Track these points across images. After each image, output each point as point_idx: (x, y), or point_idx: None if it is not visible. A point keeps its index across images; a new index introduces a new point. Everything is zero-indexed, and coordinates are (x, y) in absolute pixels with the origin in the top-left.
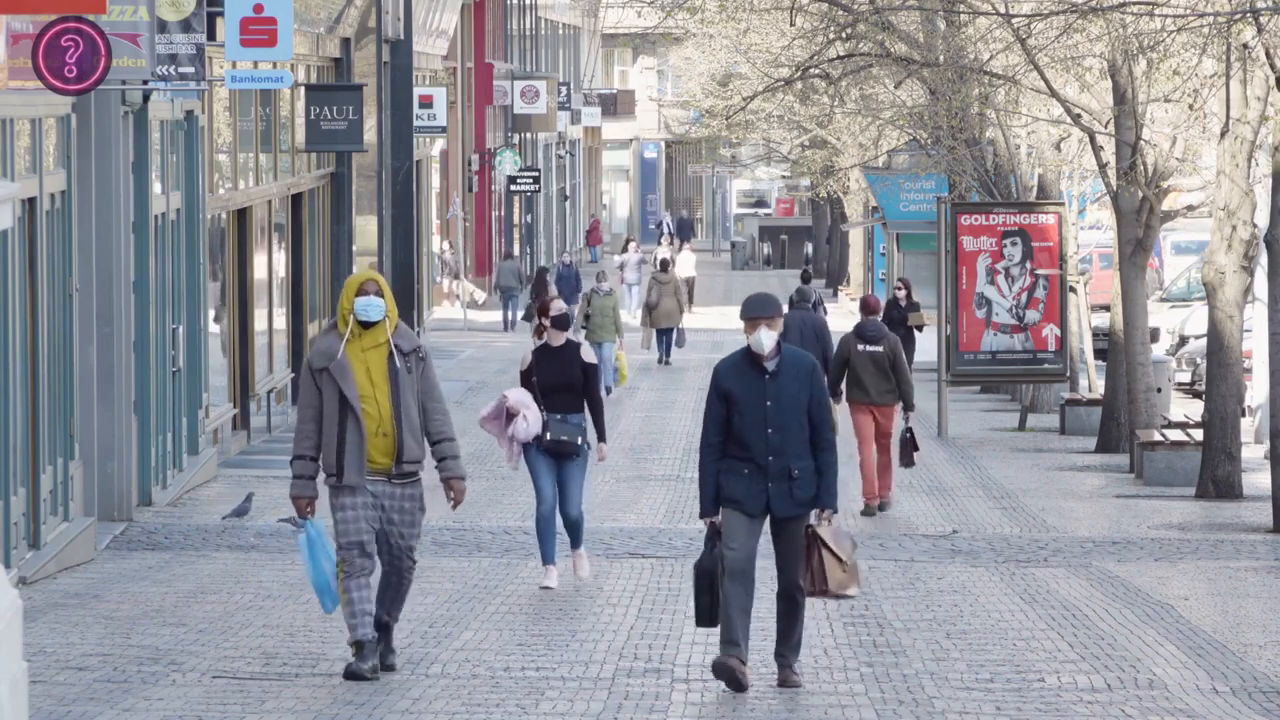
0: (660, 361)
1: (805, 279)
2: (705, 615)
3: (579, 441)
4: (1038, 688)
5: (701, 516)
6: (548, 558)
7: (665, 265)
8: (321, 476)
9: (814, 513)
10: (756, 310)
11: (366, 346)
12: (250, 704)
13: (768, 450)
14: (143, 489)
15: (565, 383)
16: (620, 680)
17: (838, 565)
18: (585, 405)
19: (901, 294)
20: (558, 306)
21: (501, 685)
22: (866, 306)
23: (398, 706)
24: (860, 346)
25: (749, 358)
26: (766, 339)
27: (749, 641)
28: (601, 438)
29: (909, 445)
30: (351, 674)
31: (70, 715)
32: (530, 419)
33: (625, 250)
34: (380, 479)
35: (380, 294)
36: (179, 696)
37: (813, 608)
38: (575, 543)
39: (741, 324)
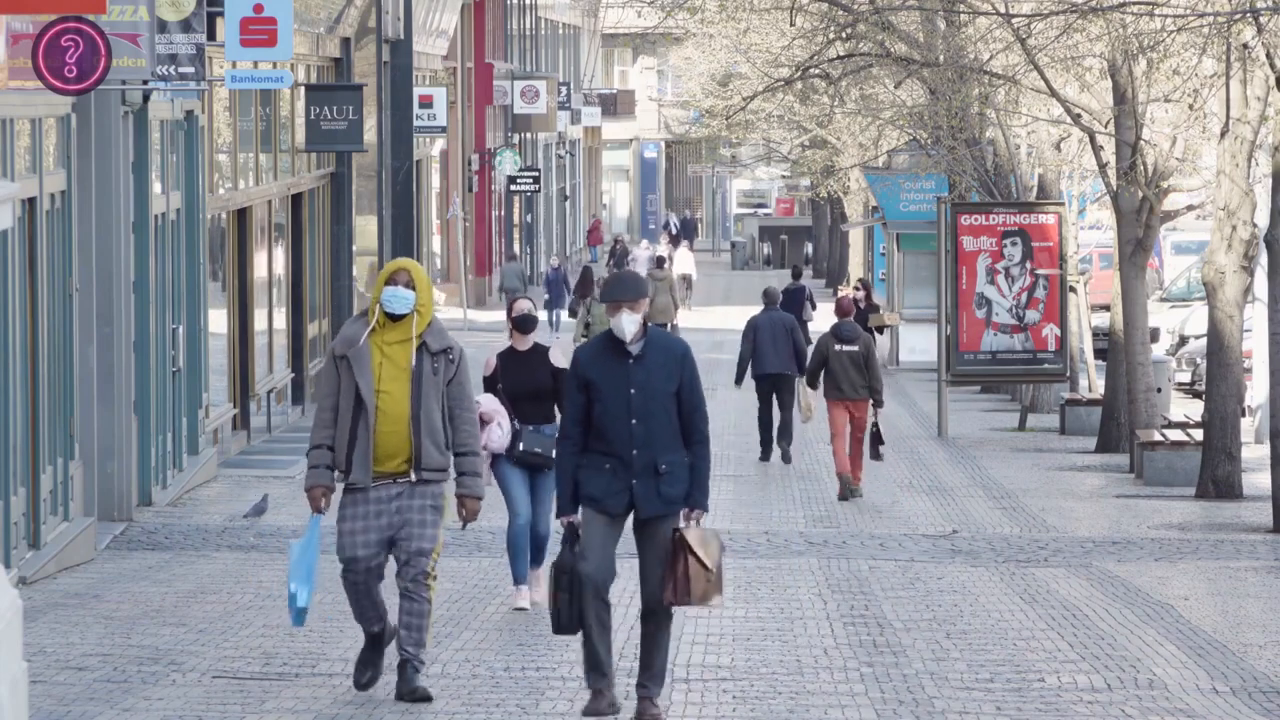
0: None
1: (796, 275)
2: (565, 620)
3: (553, 454)
4: (1038, 688)
5: (558, 516)
6: (520, 577)
7: (661, 262)
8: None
9: (682, 513)
10: (617, 292)
11: (391, 340)
12: (250, 704)
13: (632, 443)
14: (143, 489)
15: (534, 389)
16: (620, 680)
17: (703, 574)
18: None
19: (860, 295)
20: (520, 307)
21: (501, 685)
22: (841, 309)
23: (398, 706)
24: (837, 346)
25: (612, 342)
26: (628, 324)
27: (612, 659)
28: None
29: (875, 440)
30: (356, 681)
31: (70, 715)
32: (503, 427)
33: (614, 250)
34: (387, 481)
35: (411, 285)
36: (179, 696)
37: (812, 607)
38: (537, 560)
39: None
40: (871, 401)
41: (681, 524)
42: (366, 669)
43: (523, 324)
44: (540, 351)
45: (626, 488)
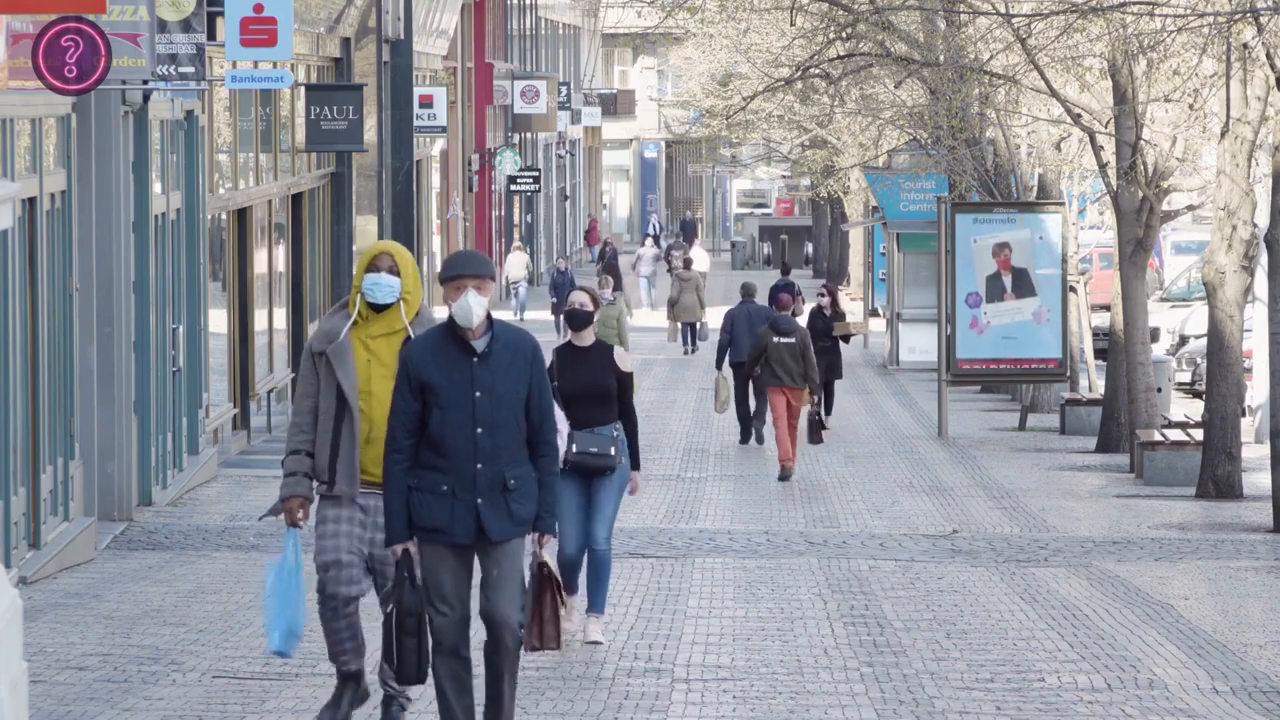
0: (685, 352)
1: (785, 272)
2: (411, 670)
3: (611, 452)
4: (1038, 688)
5: (389, 544)
6: (574, 588)
7: (688, 263)
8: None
9: (532, 539)
10: (460, 267)
11: (375, 334)
12: (250, 704)
13: (476, 456)
14: (143, 489)
15: (595, 391)
16: (620, 680)
17: (562, 610)
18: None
19: (825, 302)
20: (572, 300)
21: None
22: (779, 304)
23: None
24: (776, 338)
25: (452, 336)
26: (475, 304)
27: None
28: (636, 464)
29: (816, 425)
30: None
31: (70, 715)
32: (561, 432)
33: (604, 251)
34: (372, 492)
35: (395, 271)
36: (179, 696)
37: (812, 607)
38: (594, 602)
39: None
40: (808, 390)
41: (536, 552)
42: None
43: (572, 319)
44: (603, 349)
45: (471, 510)
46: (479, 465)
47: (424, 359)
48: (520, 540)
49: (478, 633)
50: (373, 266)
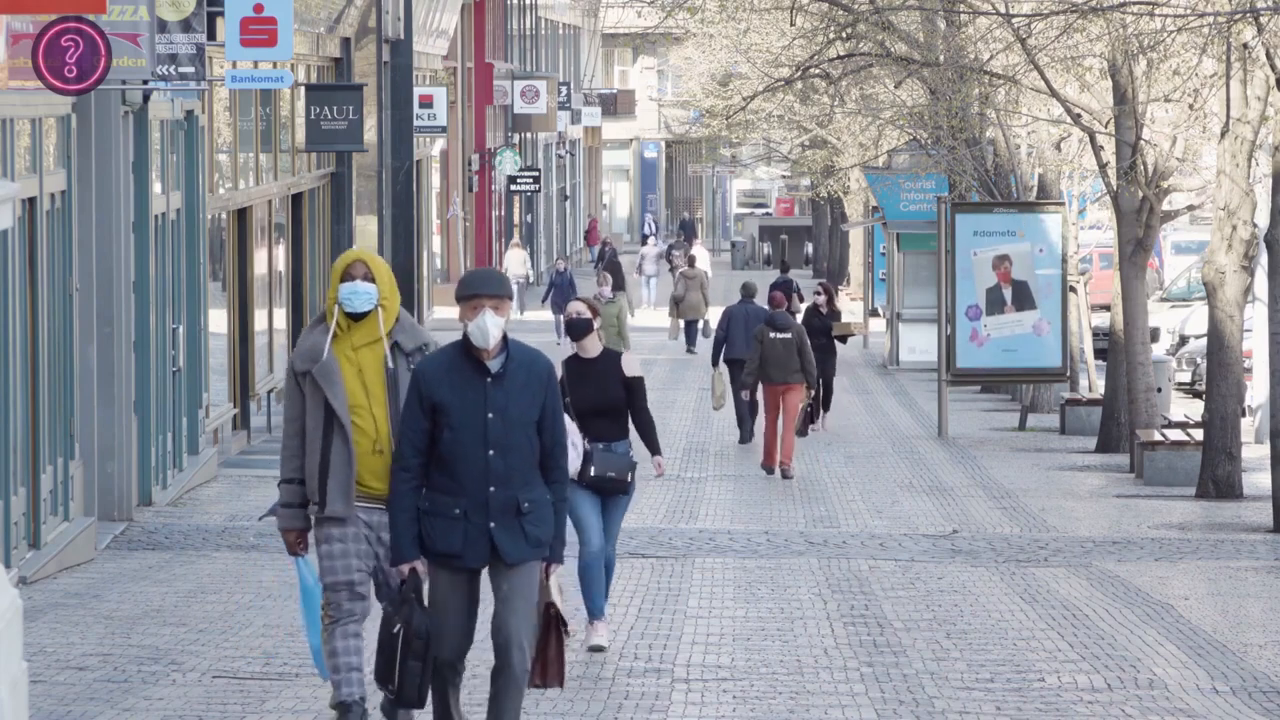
0: (688, 350)
1: (784, 270)
2: (411, 693)
3: (628, 479)
4: (1038, 688)
5: (395, 563)
6: (597, 610)
7: (693, 261)
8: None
9: (540, 567)
10: (478, 286)
11: (357, 344)
12: (250, 704)
13: (488, 479)
14: (143, 489)
15: (605, 403)
16: (620, 680)
17: (565, 647)
18: (630, 427)
19: (821, 300)
20: (570, 309)
21: None
22: (774, 301)
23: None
24: (772, 334)
25: (466, 355)
26: (492, 325)
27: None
28: (657, 450)
29: (805, 417)
30: None
31: (70, 715)
32: (576, 447)
33: (603, 251)
34: (376, 507)
35: (370, 278)
36: (179, 696)
37: (812, 607)
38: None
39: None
40: (806, 385)
41: (543, 582)
42: None
43: (571, 329)
44: (610, 359)
45: (484, 534)
46: (491, 488)
47: (437, 378)
48: (535, 564)
49: (483, 638)
50: (347, 275)
